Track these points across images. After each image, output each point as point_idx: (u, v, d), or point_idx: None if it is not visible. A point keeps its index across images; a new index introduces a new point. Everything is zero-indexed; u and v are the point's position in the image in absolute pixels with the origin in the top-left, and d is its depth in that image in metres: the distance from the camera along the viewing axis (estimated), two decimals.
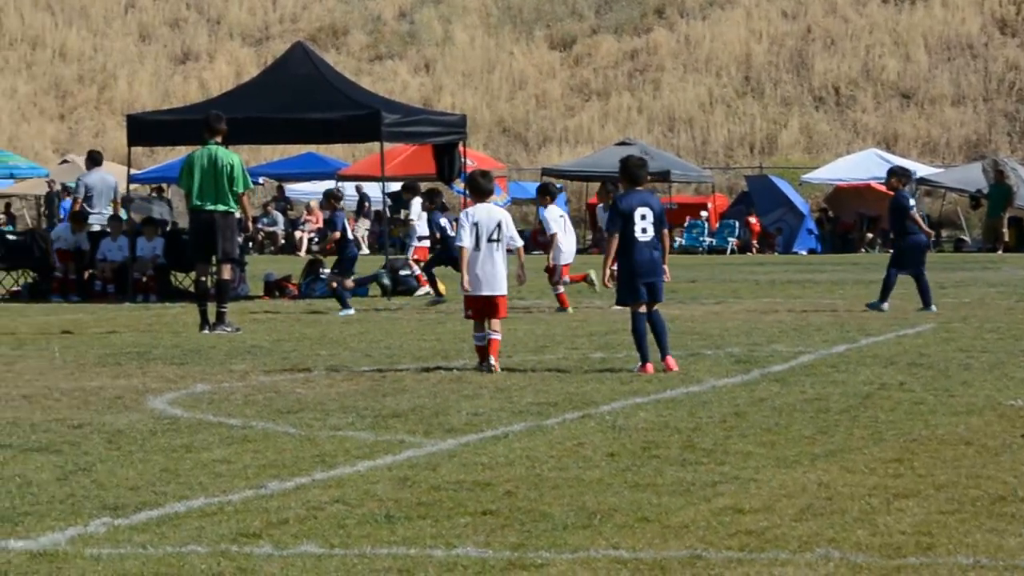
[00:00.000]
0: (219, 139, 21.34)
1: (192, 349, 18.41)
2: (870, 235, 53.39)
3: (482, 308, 15.74)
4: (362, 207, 56.65)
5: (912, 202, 23.78)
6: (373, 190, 53.39)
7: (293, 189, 61.00)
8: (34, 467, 10.27)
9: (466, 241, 15.69)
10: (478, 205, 16.02)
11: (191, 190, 21.06)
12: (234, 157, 21.23)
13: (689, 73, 69.73)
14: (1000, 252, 48.10)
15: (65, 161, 60.63)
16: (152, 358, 17.35)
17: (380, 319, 23.49)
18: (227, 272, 21.29)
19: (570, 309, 23.94)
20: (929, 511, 8.66)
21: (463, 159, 31.29)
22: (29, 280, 29.92)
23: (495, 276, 15.78)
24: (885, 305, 23.29)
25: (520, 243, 16.30)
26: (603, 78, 70.88)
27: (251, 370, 16.05)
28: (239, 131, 29.41)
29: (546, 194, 25.79)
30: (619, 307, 16.38)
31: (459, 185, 38.38)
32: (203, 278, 21.54)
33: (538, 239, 55.36)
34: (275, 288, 29.27)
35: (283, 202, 59.03)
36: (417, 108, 40.28)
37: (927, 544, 7.86)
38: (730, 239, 53.78)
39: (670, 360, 15.51)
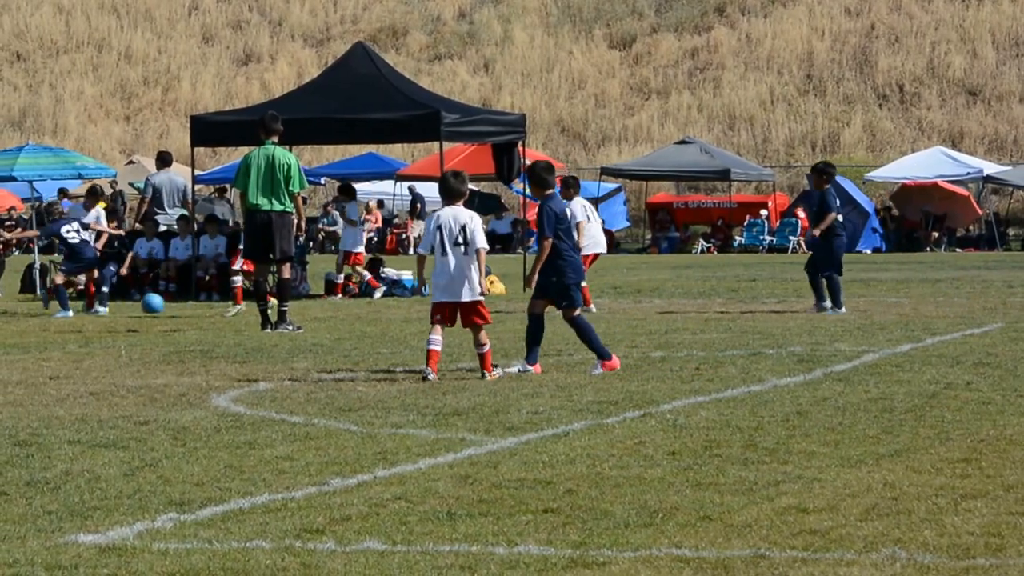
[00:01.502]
0: (275, 139, 21.41)
1: (254, 347, 18.49)
2: (936, 233, 53.02)
3: (451, 315, 15.06)
4: (415, 207, 56.72)
5: (838, 203, 23.24)
6: (431, 190, 53.44)
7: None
8: (102, 463, 10.36)
9: (423, 247, 15.22)
10: (445, 208, 15.19)
11: (247, 189, 21.14)
12: (291, 157, 21.30)
13: (750, 71, 69.47)
14: None
15: (131, 162, 61.04)
16: (215, 356, 17.45)
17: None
18: (287, 271, 21.39)
19: (593, 308, 23.16)
20: (998, 512, 8.56)
21: (522, 159, 31.26)
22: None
23: (463, 281, 14.95)
24: (828, 303, 22.85)
25: (480, 245, 15.06)
26: (663, 77, 70.72)
27: (312, 368, 16.10)
28: (300, 131, 29.59)
29: (568, 187, 24.99)
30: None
31: (518, 185, 38.39)
32: (261, 278, 21.64)
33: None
34: (336, 287, 29.33)
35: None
36: (476, 108, 40.31)
37: (996, 545, 7.77)
38: (791, 238, 53.55)
39: (609, 363, 15.40)
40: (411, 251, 52.43)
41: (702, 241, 54.34)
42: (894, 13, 70.43)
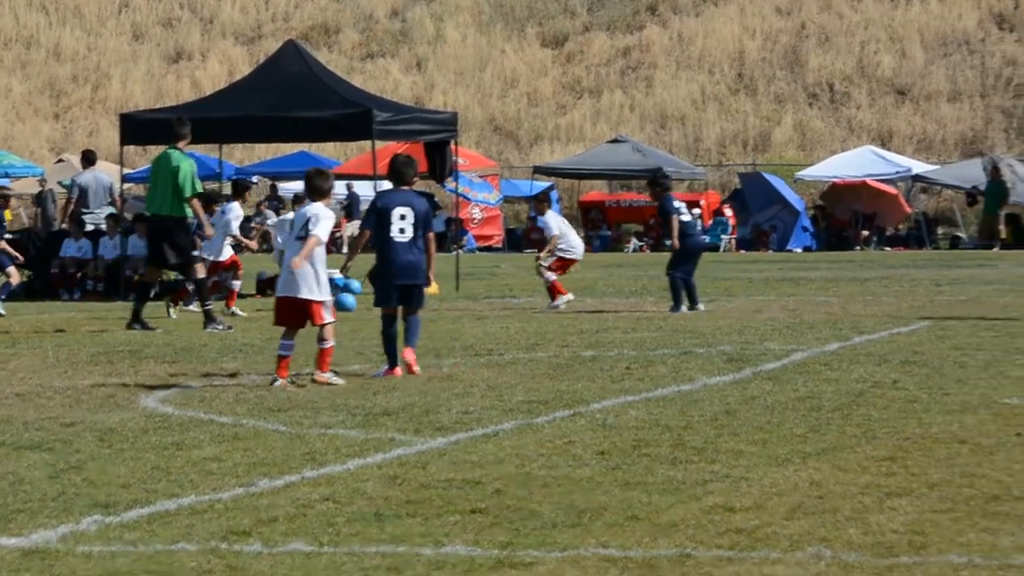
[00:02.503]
0: (181, 143, 21.26)
1: (184, 347, 18.40)
2: (865, 232, 53.39)
3: (289, 313, 14.53)
4: (350, 207, 56.56)
5: (677, 204, 23.58)
6: (366, 189, 53.35)
7: (286, 188, 60.94)
8: (26, 465, 10.27)
9: (279, 241, 15.00)
10: (308, 204, 14.76)
11: (149, 194, 21.23)
12: (183, 162, 21.06)
13: (682, 70, 69.68)
14: (996, 249, 48.09)
15: (61, 160, 60.53)
16: (144, 356, 17.34)
17: (372, 317, 23.42)
18: (199, 271, 21.25)
19: (565, 300, 23.91)
20: (922, 510, 8.63)
21: (454, 157, 31.25)
22: (24, 279, 29.82)
23: (303, 277, 14.47)
24: (683, 307, 23.12)
25: (314, 232, 14.42)
26: (595, 75, 70.83)
27: (242, 368, 16.03)
28: (231, 130, 29.51)
29: (542, 201, 25.71)
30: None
31: (450, 183, 38.36)
32: (148, 280, 21.46)
33: (531, 236, 55.43)
34: (267, 286, 29.21)
35: (276, 201, 58.92)
36: (408, 106, 40.28)
37: (920, 543, 7.83)
38: (723, 236, 53.75)
39: (409, 353, 15.17)
40: (344, 250, 52.28)
41: (634, 240, 54.49)
42: (824, 12, 70.82)
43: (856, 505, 8.75)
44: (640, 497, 8.99)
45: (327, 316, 14.54)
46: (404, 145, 42.55)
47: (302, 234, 14.49)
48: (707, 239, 24.64)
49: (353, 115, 28.35)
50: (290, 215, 14.99)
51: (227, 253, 24.77)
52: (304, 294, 14.46)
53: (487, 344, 18.43)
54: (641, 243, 54.17)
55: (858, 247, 52.41)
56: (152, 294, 21.83)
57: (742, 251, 52.74)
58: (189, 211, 21.12)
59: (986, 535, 8.02)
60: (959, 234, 54.67)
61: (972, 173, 52.87)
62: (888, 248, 52.46)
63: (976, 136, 63.66)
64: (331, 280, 29.33)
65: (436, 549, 7.78)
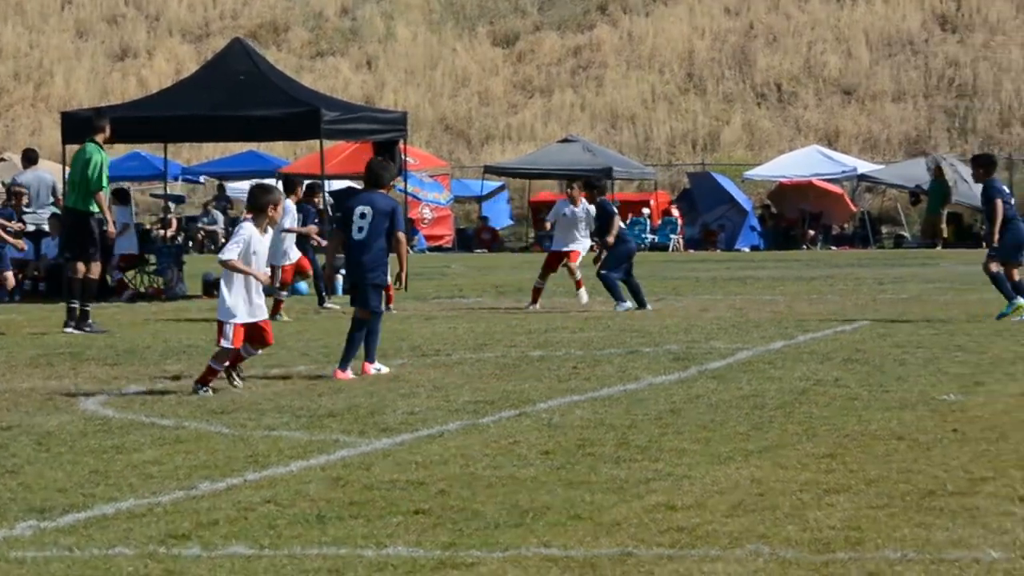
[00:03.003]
0: (99, 137, 21.08)
1: (126, 349, 18.27)
2: (812, 231, 53.65)
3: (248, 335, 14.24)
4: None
5: (615, 209, 24.27)
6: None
7: (234, 188, 60.76)
8: None
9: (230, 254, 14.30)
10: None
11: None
12: (96, 155, 20.86)
13: (632, 70, 69.81)
14: (939, 248, 48.46)
15: (2, 159, 60.11)
16: (85, 359, 17.20)
17: (319, 318, 23.39)
18: (94, 270, 21.00)
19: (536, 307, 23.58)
20: (859, 506, 8.69)
21: (404, 157, 31.20)
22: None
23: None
24: (627, 304, 23.39)
25: (224, 257, 14.25)
26: (546, 75, 70.87)
27: (186, 370, 15.92)
28: (178, 129, 29.36)
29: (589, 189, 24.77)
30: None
31: (400, 183, 38.23)
32: (75, 275, 21.26)
33: (482, 236, 55.46)
34: (214, 287, 29.10)
35: (224, 201, 58.76)
36: (357, 105, 40.21)
37: (856, 539, 7.88)
38: (672, 236, 53.90)
39: (368, 367, 15.16)
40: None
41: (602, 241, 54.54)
42: (772, 13, 71.09)
43: (795, 502, 8.80)
44: (583, 496, 9.01)
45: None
46: (353, 145, 42.52)
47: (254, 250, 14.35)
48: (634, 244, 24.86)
49: (301, 114, 28.25)
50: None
51: (294, 255, 23.55)
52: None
53: (435, 344, 18.42)
54: (592, 243, 54.19)
55: (805, 246, 52.66)
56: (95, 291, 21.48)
57: (691, 250, 52.90)
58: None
59: (920, 530, 8.08)
60: (903, 233, 55.00)
61: (916, 173, 53.22)
62: (834, 247, 52.73)
63: (920, 136, 64.04)
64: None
65: (378, 551, 7.76)
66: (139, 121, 29.16)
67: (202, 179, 62.98)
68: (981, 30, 68.20)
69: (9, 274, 23.93)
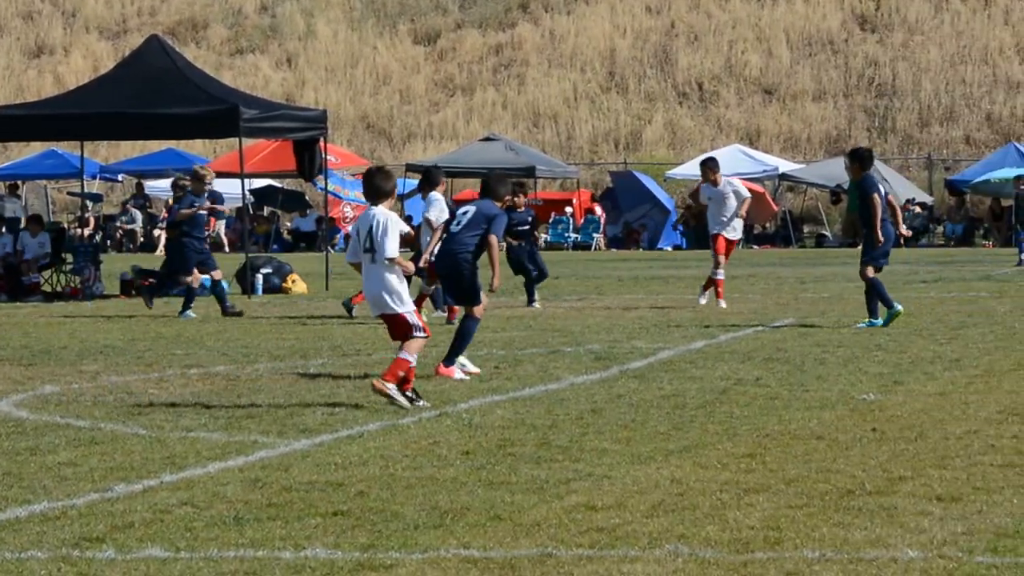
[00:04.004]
0: None
1: (42, 350, 18.06)
2: None
3: (393, 327, 13.17)
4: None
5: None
6: (233, 187, 52.96)
7: (153, 186, 60.31)
8: None
9: (350, 256, 13.47)
10: (371, 208, 13.26)
11: None
12: None
13: (554, 68, 69.90)
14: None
15: None
16: None
17: (238, 317, 23.23)
18: None
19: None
20: (778, 506, 8.70)
21: (323, 155, 31.07)
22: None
23: (379, 291, 13.02)
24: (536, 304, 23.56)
25: (389, 253, 13.00)
26: (468, 73, 70.86)
27: (102, 370, 15.76)
28: (95, 126, 29.10)
29: (430, 182, 22.11)
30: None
31: (320, 181, 38.12)
32: None
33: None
34: (132, 287, 28.87)
35: (142, 199, 58.32)
36: (277, 103, 39.98)
37: (775, 539, 7.89)
38: (595, 235, 54.01)
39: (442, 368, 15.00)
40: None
41: (508, 239, 54.57)
42: (693, 12, 71.40)
43: (715, 502, 8.80)
44: (503, 497, 8.97)
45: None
46: (274, 143, 42.31)
47: (368, 246, 13.02)
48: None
49: (219, 112, 28.07)
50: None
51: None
52: (389, 309, 13.02)
53: (355, 344, 18.33)
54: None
55: None
56: None
57: (613, 249, 53.02)
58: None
59: (839, 529, 8.10)
60: (824, 232, 55.37)
61: (836, 172, 53.57)
62: (755, 246, 53.00)
63: (840, 135, 64.52)
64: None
65: (296, 552, 7.70)
66: (55, 118, 28.90)
67: (120, 177, 62.46)
68: (900, 30, 68.80)
69: None
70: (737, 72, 68.18)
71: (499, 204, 15.15)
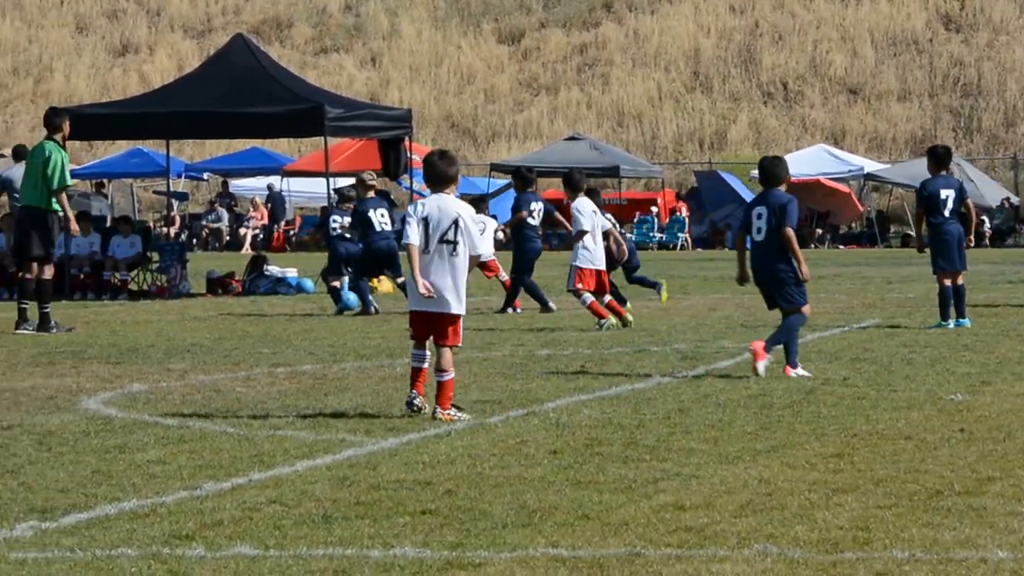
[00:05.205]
0: (58, 136, 20.87)
1: (129, 348, 18.19)
2: (819, 231, 53.60)
3: (426, 329, 12.30)
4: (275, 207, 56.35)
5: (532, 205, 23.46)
6: (318, 186, 53.18)
7: (238, 185, 60.74)
8: None
9: (412, 238, 12.24)
10: (431, 196, 12.53)
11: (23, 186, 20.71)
12: (56, 153, 20.62)
13: (638, 68, 69.80)
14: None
15: (1, 155, 60.13)
16: (87, 357, 17.11)
17: (326, 316, 23.33)
18: (47, 271, 20.67)
19: (610, 320, 19.91)
20: (867, 506, 8.64)
21: (409, 154, 31.16)
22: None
23: (444, 288, 12.22)
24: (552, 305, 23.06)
25: (482, 252, 12.58)
26: (552, 72, 70.87)
27: (190, 369, 15.87)
28: (180, 125, 29.30)
29: (571, 186, 20.66)
30: None
31: (406, 181, 38.23)
32: (27, 275, 21.06)
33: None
34: (218, 285, 29.08)
35: (228, 198, 58.72)
36: (361, 102, 40.14)
37: (864, 539, 7.85)
38: (680, 234, 53.86)
39: (789, 370, 14.60)
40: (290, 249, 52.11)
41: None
42: (777, 11, 71.08)
43: (803, 502, 8.75)
44: (591, 496, 8.95)
45: (456, 336, 12.37)
46: (358, 142, 42.47)
47: (449, 237, 12.20)
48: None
49: (304, 111, 28.20)
50: (420, 205, 12.40)
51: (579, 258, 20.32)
52: (447, 308, 12.24)
53: None
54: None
55: (812, 245, 52.61)
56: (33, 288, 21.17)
57: (698, 249, 52.86)
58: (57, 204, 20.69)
59: (928, 530, 8.04)
60: (910, 232, 54.91)
61: (922, 171, 52.95)
62: (841, 246, 52.70)
63: (925, 135, 64.03)
64: (282, 278, 28.95)
65: (385, 551, 7.70)
66: (141, 117, 29.13)
67: (206, 176, 62.93)
68: (985, 29, 68.19)
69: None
70: (822, 72, 67.81)
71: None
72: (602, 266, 20.33)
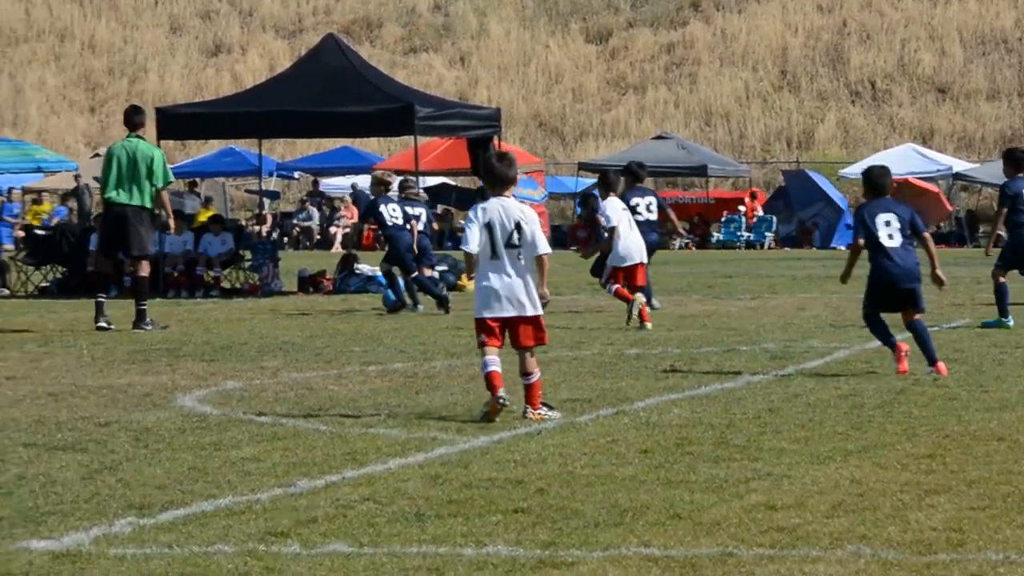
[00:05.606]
0: (140, 132, 21.05)
1: (223, 345, 18.36)
2: None
3: (498, 335, 12.20)
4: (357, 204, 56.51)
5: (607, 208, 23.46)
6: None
7: (328, 184, 61.06)
8: (59, 466, 10.20)
9: (473, 246, 12.15)
10: (492, 200, 12.31)
11: (107, 182, 20.68)
12: (155, 151, 20.83)
13: (725, 67, 69.55)
14: None
15: (97, 155, 60.78)
16: (182, 355, 17.29)
17: (416, 314, 23.44)
18: (143, 269, 20.82)
19: (649, 325, 19.93)
20: (960, 507, 8.60)
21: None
22: (58, 276, 29.92)
23: (518, 291, 12.13)
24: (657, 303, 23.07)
25: (545, 250, 12.34)
26: (639, 72, 70.76)
27: (283, 367, 15.99)
28: (272, 124, 29.55)
29: (605, 185, 21.56)
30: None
31: None
32: (105, 271, 21.09)
33: (577, 234, 55.39)
34: (309, 284, 29.28)
35: (318, 197, 59.03)
36: (451, 101, 40.26)
37: (958, 540, 7.81)
38: (767, 234, 53.63)
39: (941, 367, 14.68)
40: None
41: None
42: (865, 10, 70.61)
43: (896, 503, 8.72)
44: (683, 496, 8.96)
45: (543, 336, 12.34)
46: (447, 141, 42.61)
47: (515, 241, 12.10)
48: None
49: (394, 110, 28.34)
50: (482, 209, 12.21)
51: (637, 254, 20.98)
52: (527, 311, 12.18)
53: None
54: (686, 240, 54.09)
55: None
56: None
57: (786, 248, 52.61)
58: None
59: (1023, 532, 7.99)
60: (1000, 232, 54.37)
61: None
62: None
63: (1015, 134, 63.37)
64: (373, 276, 29.04)
65: (478, 549, 7.75)
66: (233, 117, 29.39)
67: (297, 175, 63.32)
68: None
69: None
70: (910, 71, 67.29)
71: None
72: (638, 260, 20.84)
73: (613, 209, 20.92)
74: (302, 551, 7.77)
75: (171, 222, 21.24)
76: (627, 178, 23.62)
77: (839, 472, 9.68)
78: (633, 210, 22.68)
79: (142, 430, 11.71)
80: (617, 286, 20.59)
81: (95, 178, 53.67)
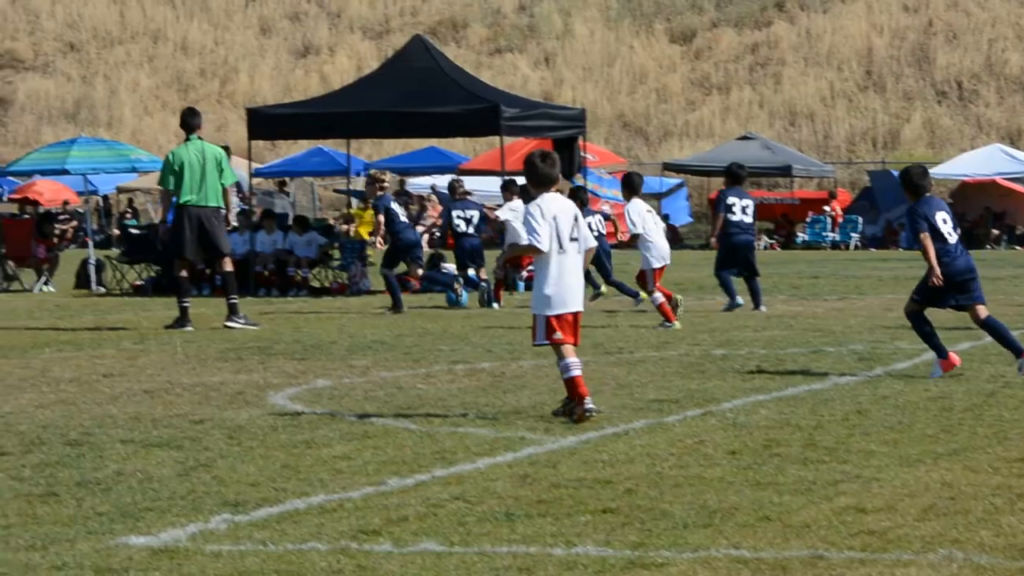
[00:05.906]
0: (198, 133, 21.18)
1: (313, 344, 18.51)
2: (996, 231, 52.67)
3: (574, 329, 12.10)
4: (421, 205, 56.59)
5: (730, 201, 23.19)
6: (494, 184, 53.41)
7: (415, 183, 61.23)
8: (155, 463, 10.36)
9: (544, 241, 11.99)
10: (545, 195, 12.14)
11: (181, 187, 20.69)
12: (219, 151, 21.02)
13: (810, 67, 69.15)
14: None
15: None
16: (273, 353, 17.45)
17: (502, 313, 23.50)
18: (228, 265, 21.05)
19: (677, 324, 20.22)
20: None
21: (583, 154, 31.23)
22: (152, 274, 30.24)
23: (579, 286, 12.20)
24: (740, 301, 22.97)
25: (594, 244, 12.45)
26: (724, 72, 70.49)
27: (372, 366, 16.10)
28: (359, 124, 29.73)
29: (628, 187, 21.64)
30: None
31: (579, 180, 38.32)
32: (185, 273, 21.25)
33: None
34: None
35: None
36: (536, 102, 40.28)
37: None
38: (853, 235, 53.29)
39: None
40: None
41: (765, 237, 54.13)
42: (951, 10, 70.00)
43: (988, 507, 8.66)
44: (771, 497, 8.95)
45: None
46: (533, 141, 42.63)
47: (575, 235, 12.10)
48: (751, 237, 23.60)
49: (480, 110, 28.42)
50: (541, 205, 12.09)
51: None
52: (581, 306, 12.28)
53: (617, 342, 18.40)
54: (771, 240, 53.85)
55: (989, 246, 51.73)
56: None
57: (871, 249, 52.26)
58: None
59: None
60: None
61: None
62: (1018, 247, 51.72)
63: None
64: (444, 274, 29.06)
65: (567, 549, 7.78)
66: (322, 117, 29.59)
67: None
68: None
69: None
70: (997, 71, 66.62)
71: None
72: (666, 262, 21.22)
73: (637, 212, 20.96)
74: (394, 549, 7.83)
75: (230, 218, 21.46)
76: (727, 178, 23.76)
77: (929, 475, 9.63)
78: (728, 209, 22.77)
79: (235, 427, 11.84)
80: (662, 300, 20.48)
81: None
